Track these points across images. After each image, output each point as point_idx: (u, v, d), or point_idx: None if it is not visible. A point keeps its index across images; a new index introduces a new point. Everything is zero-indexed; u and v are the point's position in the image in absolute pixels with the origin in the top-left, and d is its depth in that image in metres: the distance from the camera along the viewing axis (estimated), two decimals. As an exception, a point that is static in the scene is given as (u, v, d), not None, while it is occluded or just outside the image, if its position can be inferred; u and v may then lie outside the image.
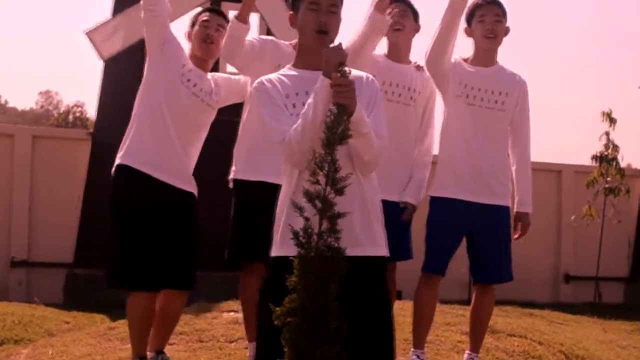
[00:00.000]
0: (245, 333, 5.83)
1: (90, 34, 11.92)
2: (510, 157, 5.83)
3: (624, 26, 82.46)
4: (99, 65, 12.41)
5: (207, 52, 5.57)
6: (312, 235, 3.48)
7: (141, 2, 5.35)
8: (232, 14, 5.53)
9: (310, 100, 3.75)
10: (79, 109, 42.10)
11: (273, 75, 4.05)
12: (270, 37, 5.81)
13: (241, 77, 5.84)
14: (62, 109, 46.49)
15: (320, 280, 3.46)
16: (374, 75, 4.19)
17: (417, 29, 5.91)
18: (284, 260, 3.67)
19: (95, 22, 12.46)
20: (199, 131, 5.58)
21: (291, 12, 4.10)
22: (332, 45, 3.82)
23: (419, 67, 5.88)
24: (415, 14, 5.88)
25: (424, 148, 5.95)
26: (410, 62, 5.92)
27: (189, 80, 5.44)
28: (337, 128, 3.54)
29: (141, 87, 5.51)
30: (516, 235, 5.82)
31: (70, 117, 39.70)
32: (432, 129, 5.99)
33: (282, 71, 4.10)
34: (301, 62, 4.08)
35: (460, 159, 5.67)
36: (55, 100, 52.90)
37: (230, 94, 5.77)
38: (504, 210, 5.76)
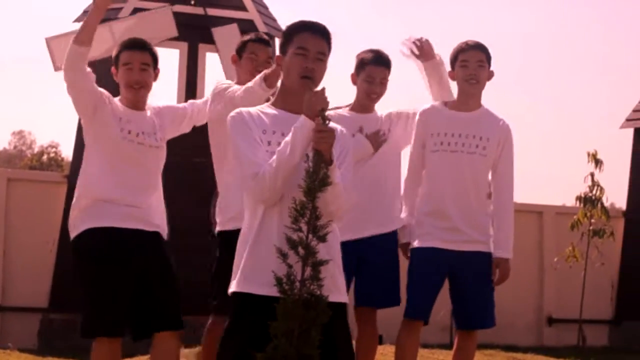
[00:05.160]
0: None
1: (49, 40, 11.68)
2: (491, 202, 5.74)
3: (611, 66, 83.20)
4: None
5: (136, 97, 5.24)
6: (295, 282, 3.47)
7: (65, 64, 4.95)
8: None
9: (287, 139, 3.75)
10: (54, 149, 41.82)
11: (252, 109, 4.02)
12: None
13: (187, 105, 5.62)
14: (36, 150, 46.14)
15: (302, 327, 3.46)
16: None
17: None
18: (248, 297, 3.75)
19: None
20: (156, 174, 5.33)
21: (278, 55, 4.08)
22: (315, 89, 3.81)
23: None
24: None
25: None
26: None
27: (129, 132, 5.15)
28: (317, 175, 3.55)
29: (86, 147, 5.27)
30: (495, 283, 5.71)
31: (45, 157, 39.42)
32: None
33: (260, 107, 4.08)
34: (281, 102, 4.05)
35: (439, 207, 5.62)
36: (29, 140, 52.31)
37: (179, 123, 5.50)
38: (484, 257, 5.66)
